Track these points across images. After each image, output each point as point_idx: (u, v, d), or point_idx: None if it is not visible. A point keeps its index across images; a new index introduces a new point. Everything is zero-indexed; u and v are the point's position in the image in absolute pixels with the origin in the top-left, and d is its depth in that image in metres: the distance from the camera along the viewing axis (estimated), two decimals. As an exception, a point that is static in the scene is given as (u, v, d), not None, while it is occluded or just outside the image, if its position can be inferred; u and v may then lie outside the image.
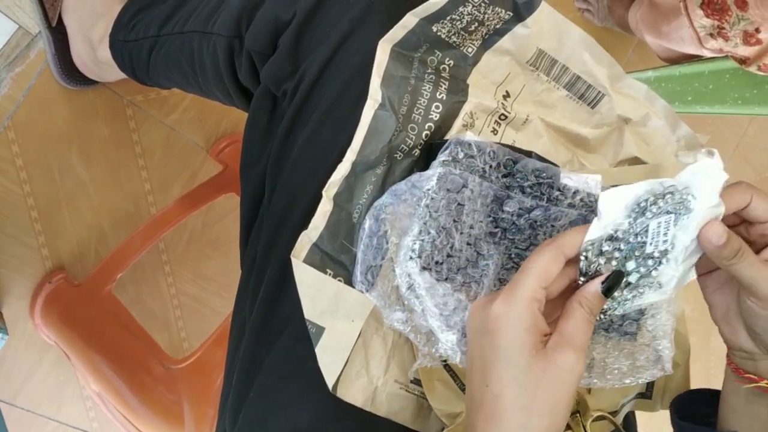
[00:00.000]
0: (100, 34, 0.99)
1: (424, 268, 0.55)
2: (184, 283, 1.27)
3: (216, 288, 1.31)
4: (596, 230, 0.48)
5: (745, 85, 1.26)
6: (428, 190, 0.56)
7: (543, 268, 0.46)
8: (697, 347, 2.11)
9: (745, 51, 1.13)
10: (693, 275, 0.53)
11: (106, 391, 0.90)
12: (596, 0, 1.52)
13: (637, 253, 0.49)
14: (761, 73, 1.16)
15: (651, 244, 0.48)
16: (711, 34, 1.14)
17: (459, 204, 0.57)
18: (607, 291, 0.48)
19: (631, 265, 0.49)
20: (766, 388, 0.52)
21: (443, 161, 0.58)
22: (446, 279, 0.56)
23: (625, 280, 0.49)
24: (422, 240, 0.55)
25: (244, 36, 0.69)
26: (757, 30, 1.07)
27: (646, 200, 0.47)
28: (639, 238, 0.48)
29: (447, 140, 0.60)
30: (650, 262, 0.50)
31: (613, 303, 0.51)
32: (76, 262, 1.14)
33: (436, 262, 0.56)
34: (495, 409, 0.44)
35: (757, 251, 0.50)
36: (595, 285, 0.48)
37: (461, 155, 0.59)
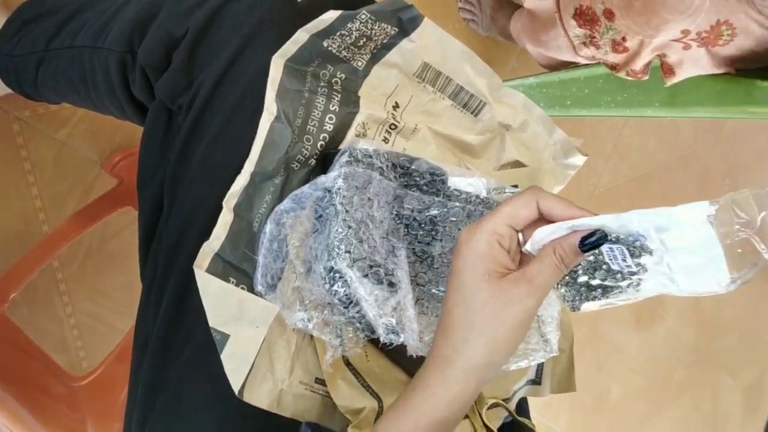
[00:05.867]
0: (-17, 48, 0.96)
1: (354, 260, 0.58)
2: (81, 301, 1.24)
3: (114, 304, 1.28)
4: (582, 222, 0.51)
5: (616, 89, 1.36)
6: (339, 188, 0.59)
7: (513, 208, 0.50)
8: (586, 336, 2.22)
9: (614, 58, 1.22)
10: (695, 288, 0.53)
11: (4, 417, 0.87)
12: (480, 11, 1.59)
13: (604, 268, 0.53)
14: (630, 78, 1.25)
15: (614, 264, 0.52)
16: (584, 43, 1.23)
17: (369, 199, 0.61)
18: (584, 246, 0.49)
19: (599, 275, 0.54)
20: None
21: (346, 161, 0.61)
22: (372, 270, 0.59)
23: (587, 281, 0.54)
24: (346, 235, 0.58)
25: (137, 51, 0.70)
26: (624, 39, 1.16)
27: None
28: (600, 257, 0.53)
29: (341, 149, 0.63)
30: (618, 276, 0.53)
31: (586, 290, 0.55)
32: (-36, 285, 1.09)
33: (362, 256, 0.59)
34: (445, 321, 0.50)
35: None
36: (575, 237, 0.50)
37: (360, 155, 0.62)
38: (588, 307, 0.56)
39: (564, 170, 0.80)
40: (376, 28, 0.64)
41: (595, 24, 1.17)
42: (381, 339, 0.59)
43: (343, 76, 0.65)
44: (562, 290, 0.56)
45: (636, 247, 0.50)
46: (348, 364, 0.65)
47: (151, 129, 0.70)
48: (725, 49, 1.15)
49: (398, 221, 0.63)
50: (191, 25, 0.65)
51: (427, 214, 0.64)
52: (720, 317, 2.60)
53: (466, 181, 0.67)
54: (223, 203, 0.59)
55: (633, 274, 0.52)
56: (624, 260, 0.51)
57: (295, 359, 0.62)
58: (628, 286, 0.53)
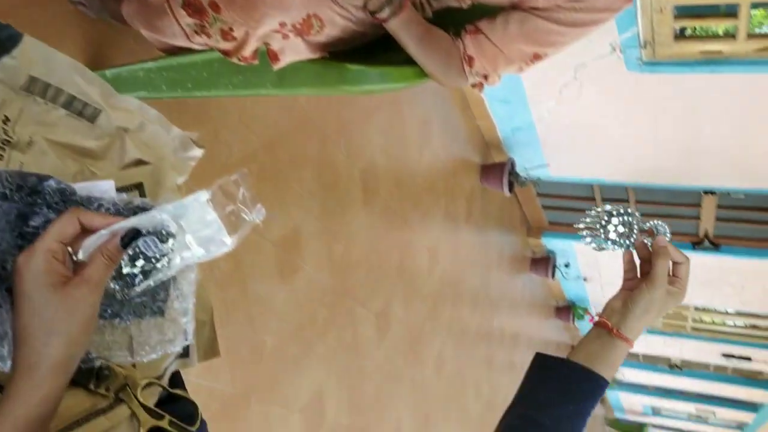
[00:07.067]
0: None
1: None
2: None
3: None
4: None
5: (232, 72, 1.46)
6: None
7: (60, 227, 0.60)
8: (236, 297, 2.36)
9: (225, 45, 1.32)
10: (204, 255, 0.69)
11: None
12: (89, -6, 1.56)
13: (142, 256, 0.66)
14: (242, 63, 1.37)
15: (149, 252, 0.65)
16: (196, 31, 1.30)
17: None
18: (123, 243, 0.62)
19: (140, 263, 0.66)
20: (607, 325, 0.87)
21: None
22: None
23: (131, 271, 0.66)
24: None
25: None
26: (231, 29, 1.26)
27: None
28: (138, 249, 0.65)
29: None
30: (154, 260, 0.66)
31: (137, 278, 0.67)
32: None
33: None
34: (23, 335, 0.57)
35: None
36: (117, 238, 0.62)
37: None
38: (137, 290, 0.68)
39: (185, 162, 0.88)
40: (-29, 49, 0.64)
41: (204, 15, 1.25)
42: None
43: (-58, 95, 0.64)
44: (113, 285, 0.66)
45: (163, 234, 0.65)
46: None
47: None
48: (317, 37, 1.34)
49: (21, 238, 0.65)
50: None
51: None
52: (349, 258, 2.98)
53: (94, 189, 0.71)
54: None
55: (164, 255, 0.66)
56: (156, 246, 0.65)
57: None
58: (162, 266, 0.67)
